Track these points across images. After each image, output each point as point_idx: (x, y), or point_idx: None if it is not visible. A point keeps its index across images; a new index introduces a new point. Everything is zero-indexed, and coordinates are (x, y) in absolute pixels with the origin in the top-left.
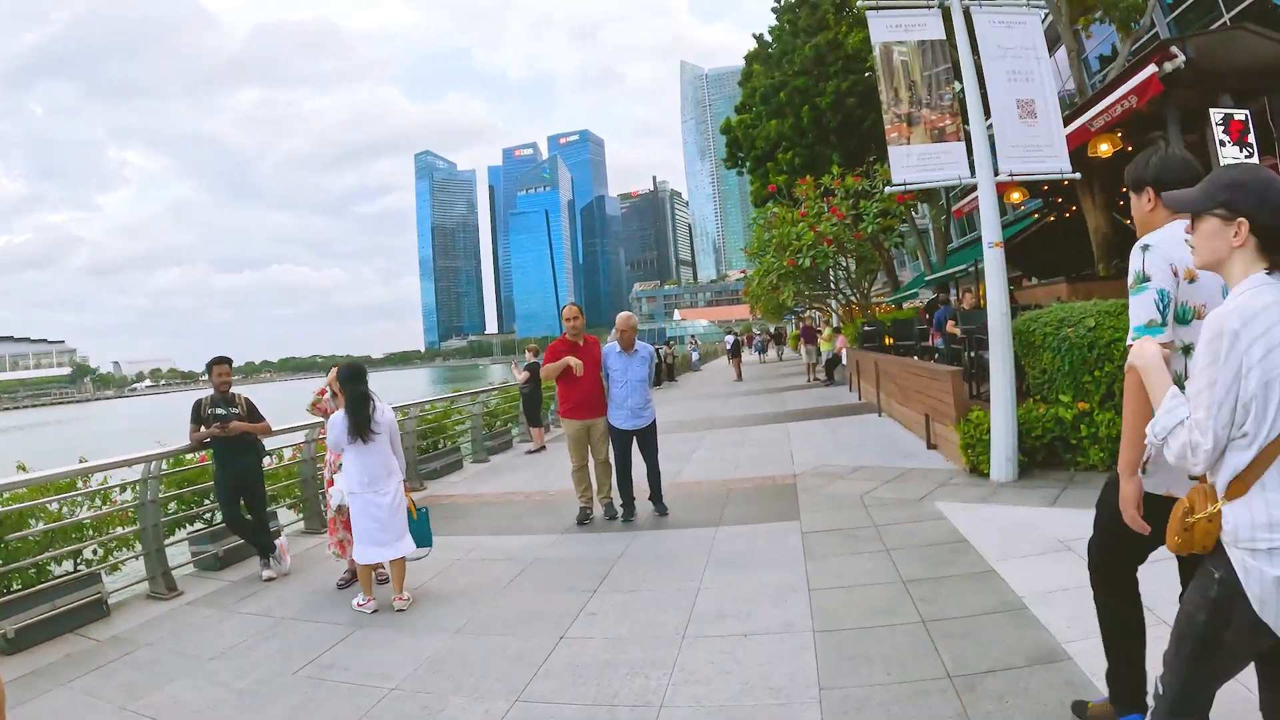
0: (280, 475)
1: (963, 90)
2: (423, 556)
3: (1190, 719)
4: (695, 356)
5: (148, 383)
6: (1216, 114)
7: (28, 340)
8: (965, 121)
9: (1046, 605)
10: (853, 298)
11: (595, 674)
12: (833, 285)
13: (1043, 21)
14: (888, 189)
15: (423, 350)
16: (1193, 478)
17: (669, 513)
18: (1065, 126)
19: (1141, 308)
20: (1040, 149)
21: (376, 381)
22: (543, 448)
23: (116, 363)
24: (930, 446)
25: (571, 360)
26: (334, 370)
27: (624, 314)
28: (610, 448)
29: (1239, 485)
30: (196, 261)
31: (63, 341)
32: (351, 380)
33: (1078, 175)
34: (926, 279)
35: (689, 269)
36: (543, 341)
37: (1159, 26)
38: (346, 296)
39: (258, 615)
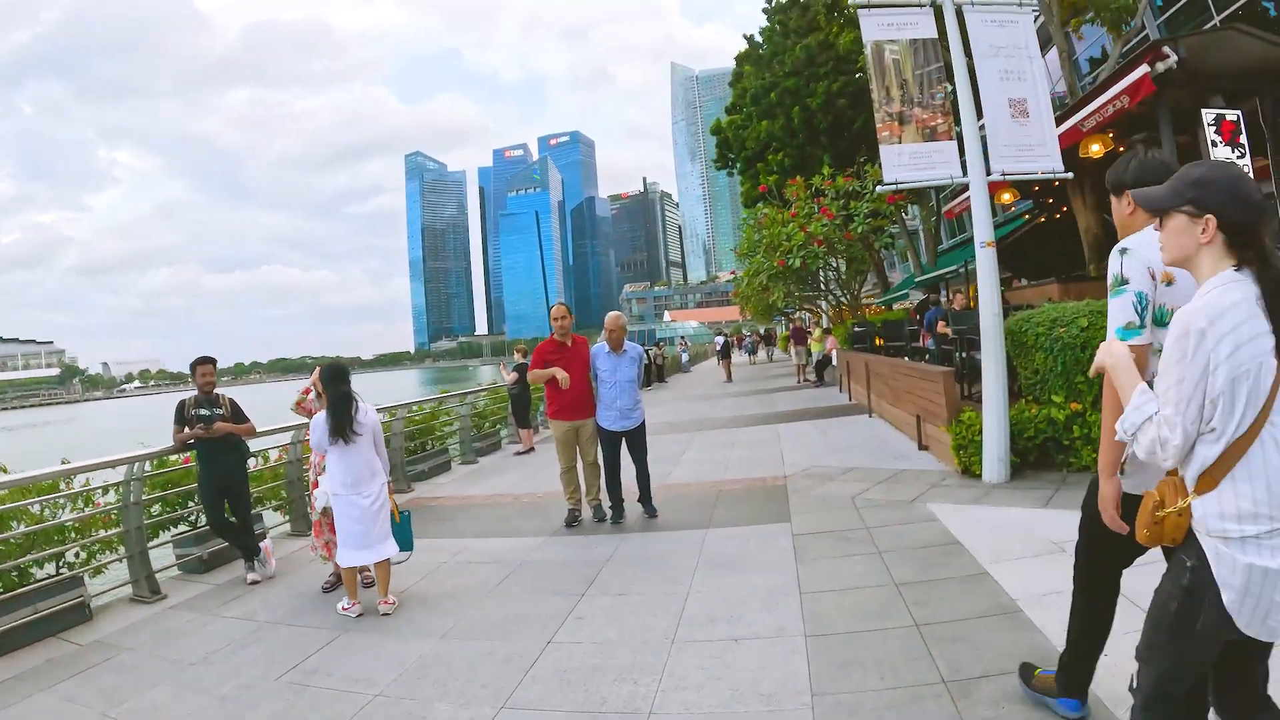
0: (266, 477)
1: (954, 89)
2: (403, 561)
3: (1167, 713)
4: (685, 358)
5: (137, 384)
6: (1208, 114)
7: (16, 341)
8: (957, 121)
9: (1041, 608)
10: (843, 299)
11: (583, 679)
12: (823, 286)
13: (1034, 22)
14: (879, 188)
15: (412, 351)
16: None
17: (658, 515)
18: (1057, 127)
19: (1120, 310)
20: (1032, 148)
21: (366, 382)
22: (531, 449)
23: (105, 363)
24: (922, 447)
25: (558, 374)
26: (318, 370)
27: (613, 313)
28: (599, 449)
29: (1208, 479)
30: (186, 262)
31: (51, 342)
32: (334, 380)
33: (1070, 175)
34: (917, 280)
35: (679, 270)
36: (532, 343)
37: (1149, 29)
38: (336, 297)
39: (241, 619)
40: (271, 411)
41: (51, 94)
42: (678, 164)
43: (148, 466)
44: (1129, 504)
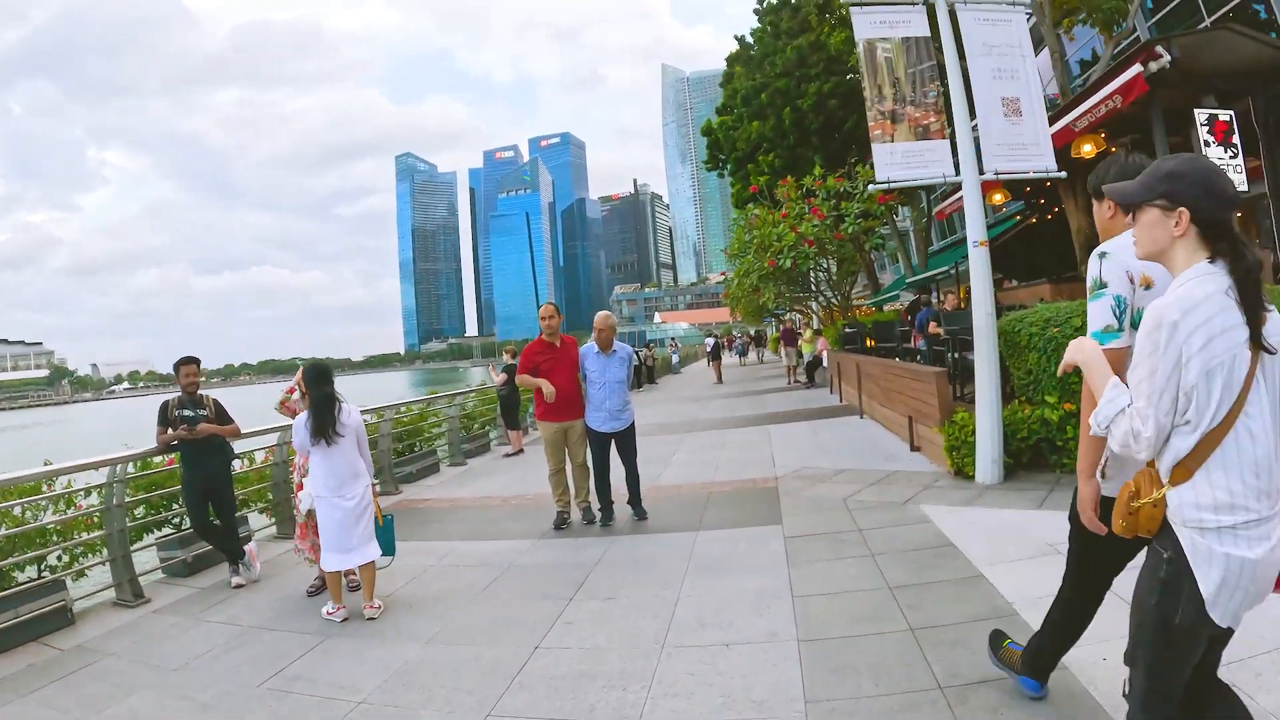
0: (252, 479)
1: (947, 87)
2: (385, 566)
3: (1164, 713)
4: (675, 359)
5: (126, 385)
6: (1201, 114)
7: (5, 342)
8: (950, 120)
9: (1037, 611)
10: (833, 300)
11: (571, 686)
12: (813, 287)
13: (1027, 22)
14: (871, 186)
15: (403, 353)
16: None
17: (648, 517)
18: (1049, 126)
19: (1098, 314)
20: (1025, 147)
21: (356, 384)
22: (520, 450)
23: (95, 365)
24: (914, 449)
25: (544, 387)
26: (301, 369)
27: (601, 313)
28: (588, 450)
29: (1183, 470)
30: (176, 262)
31: (41, 343)
32: (316, 381)
33: (1063, 174)
34: (908, 281)
35: (669, 272)
36: (522, 344)
37: (1140, 30)
38: (326, 298)
39: (225, 624)
40: (260, 413)
41: (41, 93)
42: (668, 165)
43: (131, 468)
44: (1109, 506)
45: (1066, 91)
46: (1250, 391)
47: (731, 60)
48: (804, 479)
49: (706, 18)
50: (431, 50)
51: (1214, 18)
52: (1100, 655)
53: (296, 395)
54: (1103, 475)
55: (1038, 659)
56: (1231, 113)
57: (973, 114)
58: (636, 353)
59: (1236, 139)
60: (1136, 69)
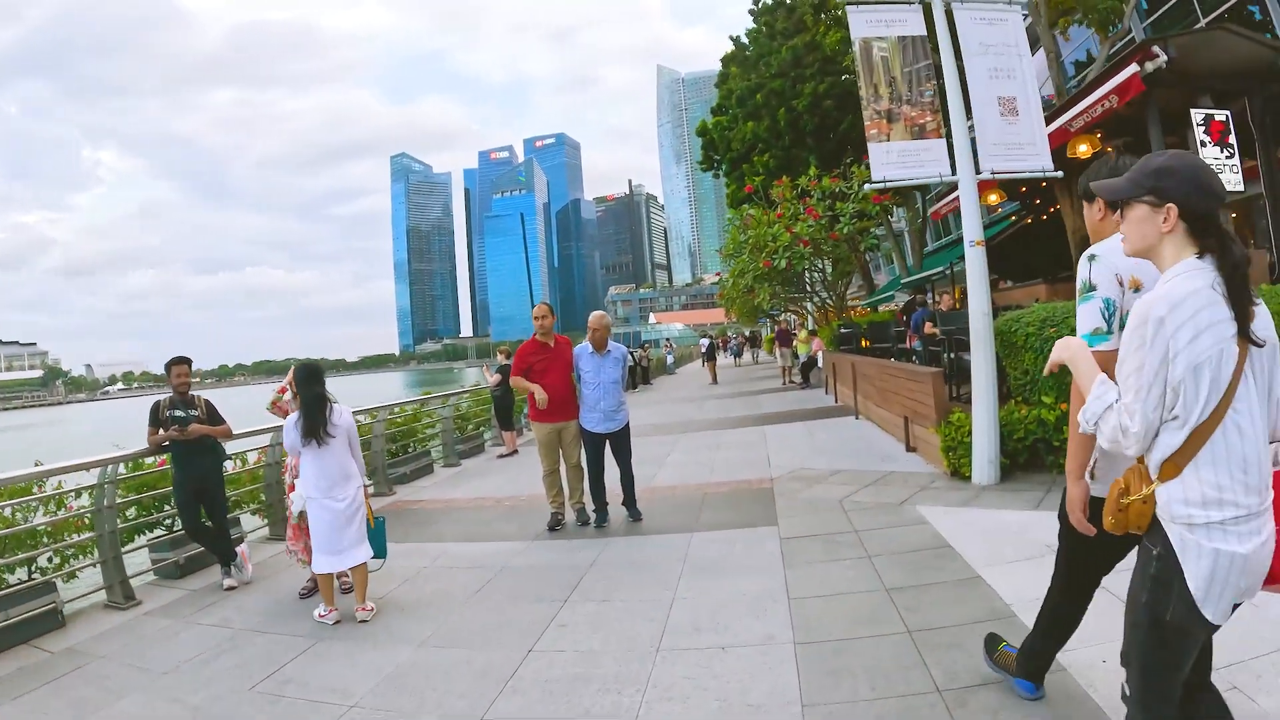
0: (244, 480)
1: (944, 87)
2: (377, 569)
3: (1162, 714)
4: (670, 360)
5: (120, 386)
6: (1197, 114)
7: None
8: (946, 119)
9: (1035, 613)
10: (828, 300)
11: (565, 690)
12: (808, 287)
13: (1023, 21)
14: (867, 186)
15: (397, 354)
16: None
17: (643, 518)
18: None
19: (1087, 316)
20: (1022, 147)
21: (351, 385)
22: (515, 451)
23: (89, 365)
24: (909, 449)
25: (537, 394)
26: (293, 369)
27: (596, 313)
28: (582, 451)
29: (1172, 466)
30: (170, 263)
31: (35, 344)
32: (308, 381)
33: (1060, 174)
34: (903, 282)
35: (664, 273)
36: (516, 344)
37: (1135, 31)
38: (321, 299)
39: (216, 626)
40: (253, 413)
41: (36, 93)
42: (663, 166)
43: (122, 469)
44: (1098, 507)
45: (1062, 92)
46: (1239, 387)
47: (727, 61)
48: (800, 480)
49: (702, 19)
50: (427, 50)
51: (1209, 19)
52: (1099, 657)
53: (288, 395)
54: (1091, 476)
55: (1031, 660)
56: (1228, 113)
57: (969, 113)
58: (631, 353)
59: (1233, 139)
60: (1133, 69)
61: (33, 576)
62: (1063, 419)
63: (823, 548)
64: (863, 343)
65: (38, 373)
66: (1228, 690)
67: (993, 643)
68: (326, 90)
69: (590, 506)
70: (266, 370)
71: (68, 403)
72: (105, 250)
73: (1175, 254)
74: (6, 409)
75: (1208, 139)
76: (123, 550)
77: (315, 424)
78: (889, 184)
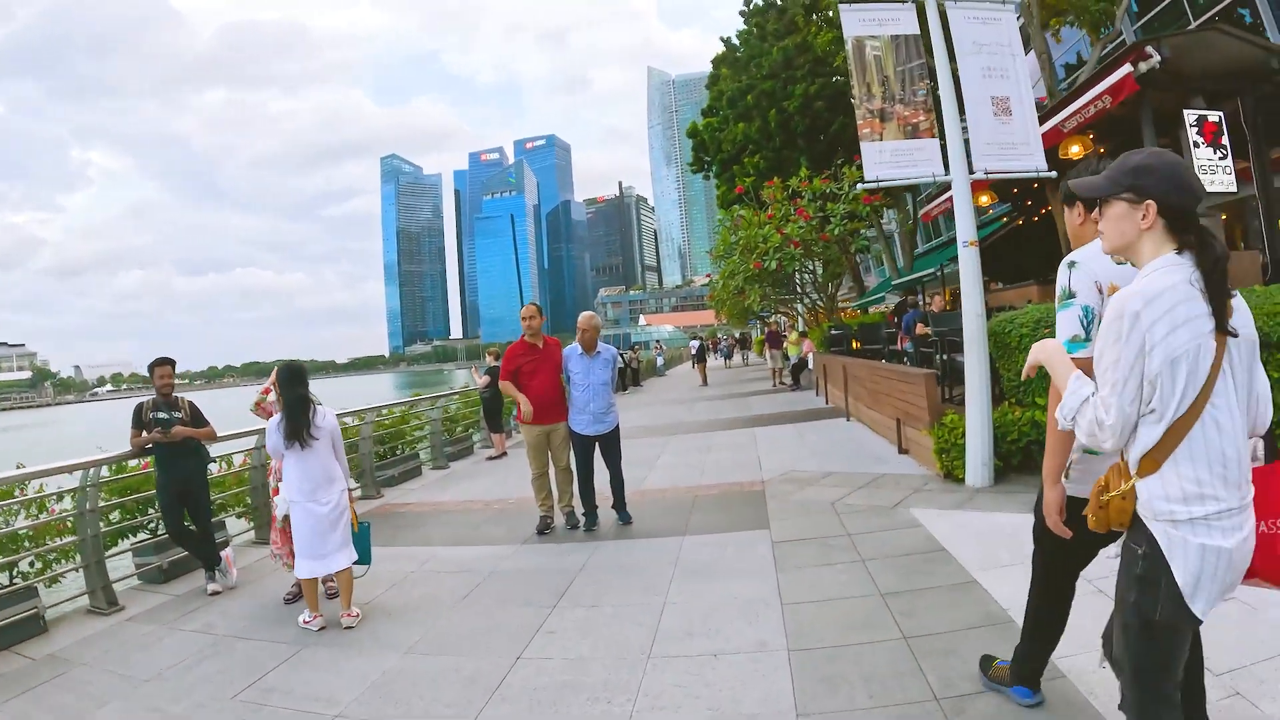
0: (230, 482)
1: (937, 86)
2: (362, 575)
3: (1163, 713)
4: (660, 361)
5: (109, 387)
6: (1190, 115)
7: None
8: (939, 119)
9: None
10: (819, 302)
11: (554, 698)
12: (799, 289)
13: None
14: (860, 185)
15: (387, 355)
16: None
17: (633, 521)
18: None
19: (1066, 323)
20: (1015, 147)
21: (340, 386)
22: (504, 454)
23: (78, 367)
24: (902, 451)
25: (523, 406)
26: (276, 370)
27: (585, 314)
28: (571, 454)
29: (1150, 462)
30: (160, 264)
31: (23, 345)
32: (290, 382)
33: (1054, 174)
34: (894, 283)
35: (654, 274)
36: (505, 346)
37: (1126, 33)
38: (311, 300)
39: (199, 632)
40: (241, 415)
41: (25, 92)
42: (654, 168)
43: (105, 471)
44: (1074, 507)
45: (1054, 93)
46: (1217, 382)
47: (717, 62)
48: (791, 482)
49: (693, 20)
50: (418, 52)
51: (1199, 21)
52: (1099, 662)
53: (272, 396)
54: (1066, 476)
55: (1024, 664)
56: (1221, 114)
57: (962, 113)
58: (621, 355)
59: (1226, 140)
60: (1126, 69)
61: (14, 581)
62: None
63: (815, 551)
64: (853, 344)
65: (26, 374)
66: (1230, 696)
67: (987, 662)
68: (317, 91)
69: (580, 510)
70: (256, 372)
71: (56, 404)
72: (95, 251)
73: (1154, 251)
74: None
75: (1201, 140)
76: (106, 554)
77: (298, 426)
78: (882, 184)
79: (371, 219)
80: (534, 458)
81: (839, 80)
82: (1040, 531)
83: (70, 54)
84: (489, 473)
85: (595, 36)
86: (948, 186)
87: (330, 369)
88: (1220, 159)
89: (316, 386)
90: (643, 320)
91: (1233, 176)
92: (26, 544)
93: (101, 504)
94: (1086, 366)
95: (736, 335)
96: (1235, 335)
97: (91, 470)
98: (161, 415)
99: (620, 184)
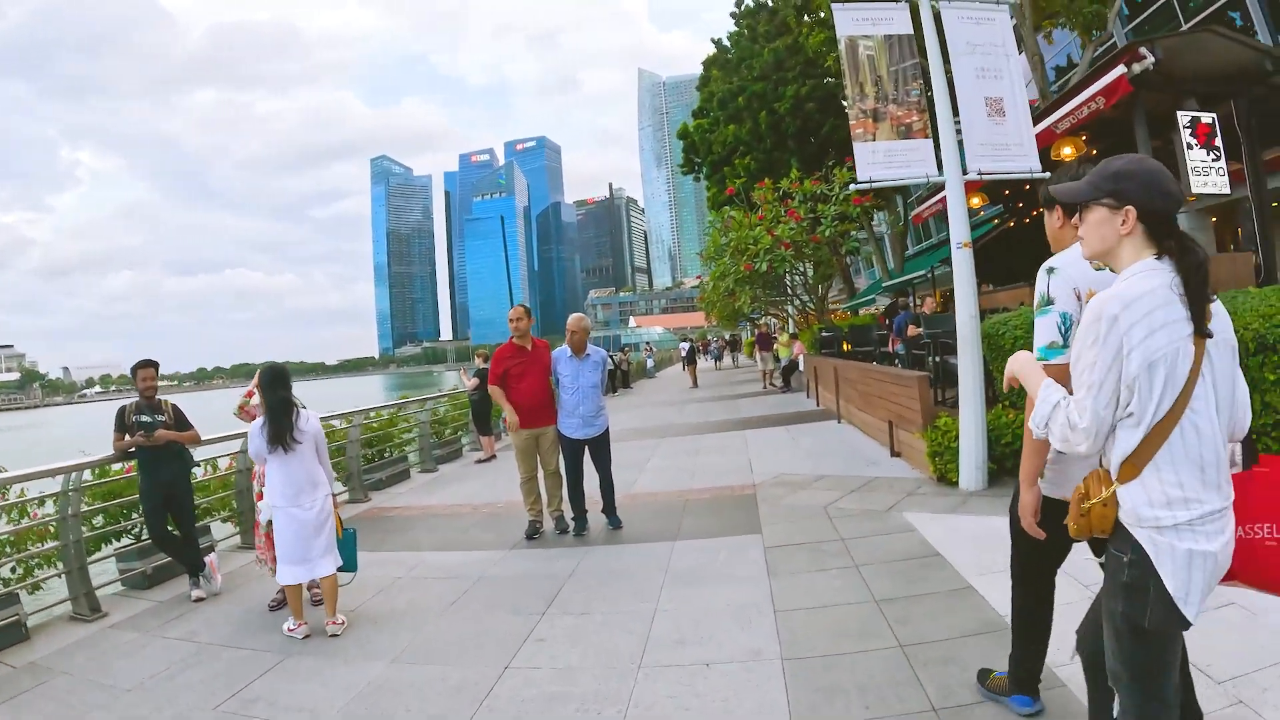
0: (215, 486)
1: (930, 86)
2: (348, 583)
3: (1161, 715)
4: (650, 363)
5: (98, 389)
6: (1184, 117)
7: None
8: (933, 119)
9: None
10: (809, 303)
11: (542, 709)
12: (789, 291)
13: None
14: (853, 186)
15: (377, 357)
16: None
17: (623, 526)
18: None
19: (1044, 329)
20: (1009, 148)
21: (330, 388)
22: (493, 456)
23: (66, 368)
24: (894, 454)
25: (509, 416)
26: (259, 372)
27: (575, 315)
28: (560, 458)
29: (1130, 468)
30: (149, 264)
31: (11, 346)
32: (272, 385)
33: (1047, 175)
34: (884, 285)
35: (644, 276)
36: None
37: (1117, 36)
38: (301, 301)
39: (182, 640)
40: (230, 418)
41: (15, 92)
42: (644, 170)
43: (88, 476)
44: (1050, 508)
45: (1046, 95)
46: (1196, 387)
47: (708, 64)
48: (783, 485)
49: (684, 22)
50: (408, 53)
51: (1190, 24)
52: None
53: (256, 399)
54: (1042, 477)
55: (1020, 670)
56: (1214, 115)
57: (956, 114)
58: (611, 356)
59: (1219, 142)
60: (1120, 70)
61: None
62: None
63: (808, 556)
64: (844, 346)
65: (14, 375)
66: (1233, 705)
67: (984, 675)
68: (307, 92)
69: (569, 514)
70: (245, 373)
71: (45, 406)
72: (84, 251)
73: (1134, 256)
74: None
75: (1194, 141)
76: (89, 560)
77: (281, 429)
78: (875, 184)
79: (361, 220)
80: (522, 462)
81: (830, 82)
82: (1016, 531)
83: (60, 54)
84: (478, 475)
85: (586, 38)
86: (939, 188)
87: (320, 370)
88: (1213, 161)
89: (307, 388)
90: (633, 322)
91: (1226, 178)
92: (8, 549)
93: (84, 509)
94: (1064, 373)
95: (727, 337)
96: (1212, 336)
97: (74, 474)
98: (145, 418)
99: (611, 186)
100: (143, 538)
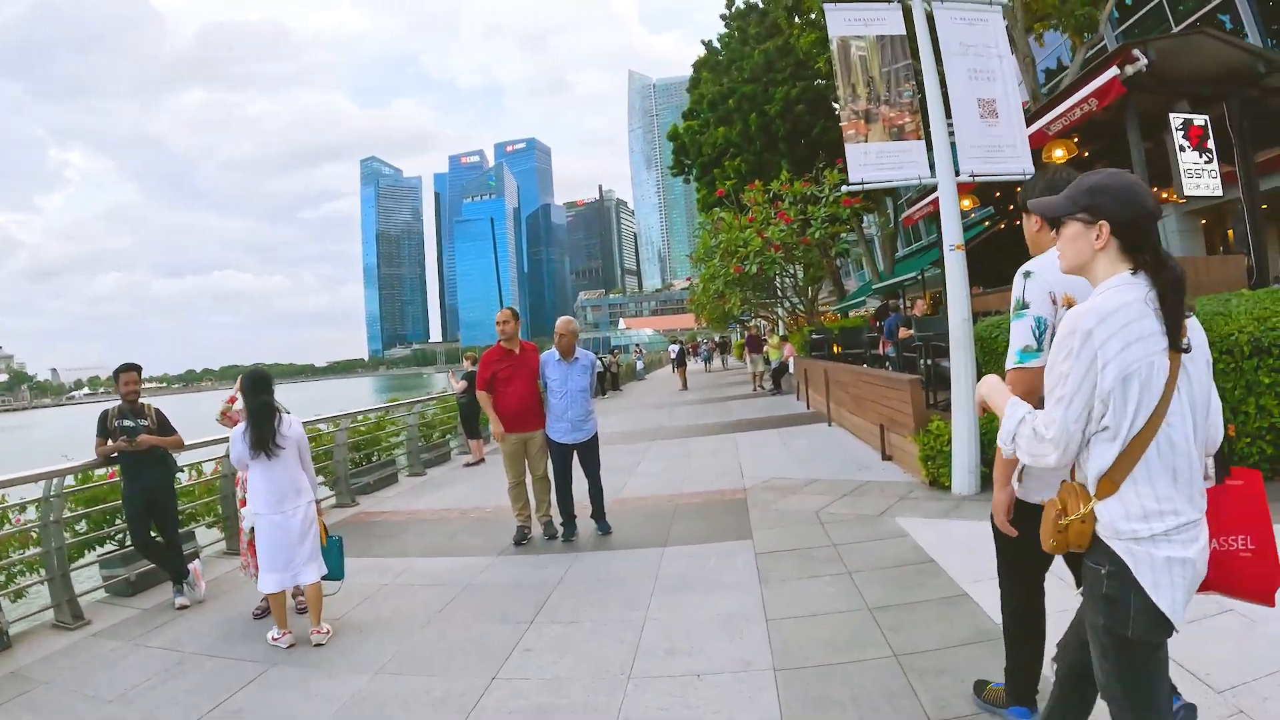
0: (199, 492)
1: (923, 87)
2: (334, 592)
3: None
4: (640, 365)
5: (86, 390)
6: (1176, 119)
7: None
8: (925, 120)
9: None
10: (799, 306)
11: None
12: (779, 293)
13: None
14: (845, 187)
15: (366, 359)
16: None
17: (612, 531)
18: None
19: (1019, 334)
20: (1002, 149)
21: (318, 391)
22: (481, 460)
23: (54, 370)
24: (886, 458)
25: (494, 427)
26: (240, 377)
27: (563, 318)
28: (549, 462)
29: (1108, 483)
30: (138, 266)
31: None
32: (254, 389)
33: None
34: (875, 287)
35: (634, 278)
36: (484, 350)
37: (1108, 39)
38: (290, 303)
39: (165, 649)
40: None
41: (4, 92)
42: (634, 172)
43: (70, 481)
44: (1025, 511)
45: (1037, 97)
46: (1171, 401)
47: (699, 66)
48: (774, 490)
49: (674, 24)
50: (400, 54)
51: (1181, 27)
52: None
53: (238, 404)
54: (1018, 479)
55: (1016, 680)
56: (1206, 117)
57: (949, 115)
58: (600, 359)
59: (1211, 144)
60: (1113, 72)
61: None
62: None
63: (800, 563)
64: (835, 348)
65: (3, 377)
66: (1233, 715)
67: (980, 686)
68: (297, 93)
69: (558, 519)
70: (234, 375)
71: (33, 408)
72: (73, 252)
73: (1109, 270)
74: None
75: (1186, 144)
76: (72, 567)
77: (263, 435)
78: (867, 185)
79: (351, 222)
80: (510, 466)
81: (820, 83)
82: (999, 534)
83: (49, 54)
84: (466, 479)
85: (577, 40)
86: (929, 190)
87: (310, 372)
88: (1206, 163)
89: (296, 390)
90: (622, 324)
91: (1218, 180)
92: None
93: (67, 515)
94: (1037, 377)
95: (716, 339)
96: (1188, 351)
97: (55, 480)
98: (127, 423)
99: (600, 188)
100: (127, 544)
